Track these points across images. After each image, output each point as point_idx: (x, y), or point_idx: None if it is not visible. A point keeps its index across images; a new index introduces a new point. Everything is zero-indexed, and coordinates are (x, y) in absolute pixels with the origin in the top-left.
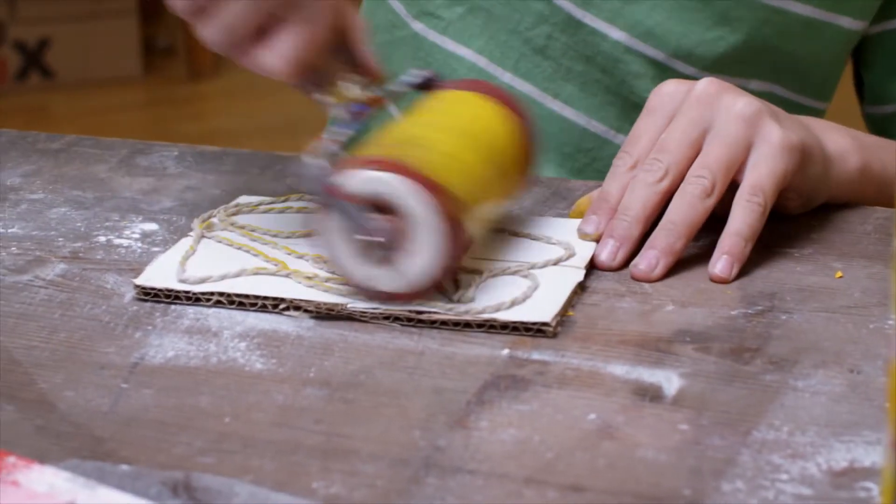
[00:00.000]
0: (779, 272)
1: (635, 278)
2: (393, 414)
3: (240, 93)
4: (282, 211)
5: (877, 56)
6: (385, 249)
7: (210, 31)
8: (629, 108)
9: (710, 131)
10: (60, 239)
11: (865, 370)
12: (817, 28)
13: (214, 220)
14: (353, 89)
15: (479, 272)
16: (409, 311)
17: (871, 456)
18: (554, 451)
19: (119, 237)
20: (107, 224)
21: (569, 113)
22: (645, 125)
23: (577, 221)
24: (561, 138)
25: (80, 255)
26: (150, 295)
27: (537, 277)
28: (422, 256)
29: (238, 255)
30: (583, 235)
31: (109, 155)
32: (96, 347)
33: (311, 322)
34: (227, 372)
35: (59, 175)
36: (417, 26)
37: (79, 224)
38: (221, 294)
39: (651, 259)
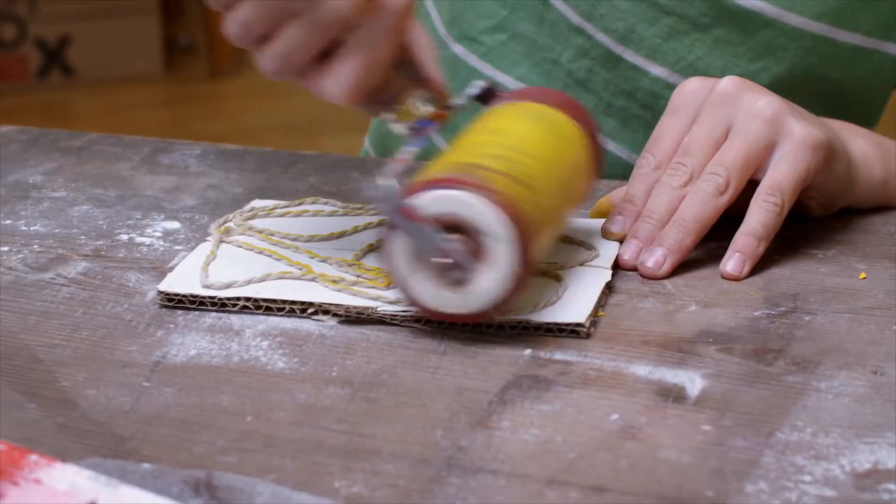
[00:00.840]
0: (802, 273)
1: (642, 275)
2: (415, 413)
3: (261, 91)
4: (298, 214)
5: None
6: (459, 271)
7: (267, 61)
8: None
9: (732, 129)
10: (82, 237)
11: (888, 371)
12: (864, 55)
13: (231, 224)
14: (420, 106)
15: None
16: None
17: (894, 457)
18: (576, 452)
19: (141, 235)
20: (129, 222)
21: (611, 146)
22: (668, 125)
23: (598, 221)
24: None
25: (102, 253)
26: (175, 301)
27: (566, 278)
28: (495, 277)
29: (259, 259)
30: (608, 234)
31: (131, 153)
32: (118, 346)
33: (334, 321)
34: (249, 371)
35: (80, 173)
36: (458, 49)
37: (101, 222)
38: (248, 299)
39: (659, 257)
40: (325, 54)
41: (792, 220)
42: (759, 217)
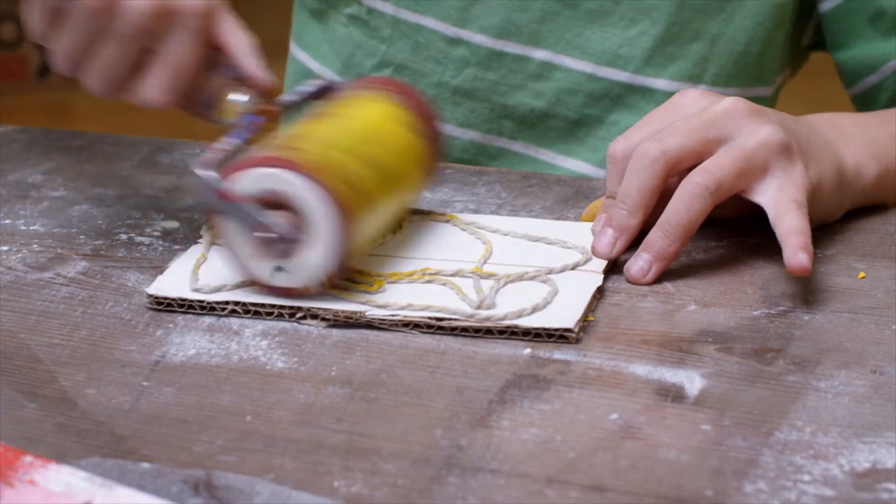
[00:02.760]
0: None
1: (627, 280)
2: (414, 413)
3: None
4: None
5: (840, 32)
6: (284, 245)
7: (91, 81)
8: (569, 126)
9: (729, 142)
10: (82, 236)
11: (888, 371)
12: (738, 1)
13: None
14: (240, 102)
15: (496, 277)
16: (430, 319)
17: (893, 457)
18: (576, 451)
19: (140, 235)
20: (128, 222)
21: (517, 147)
22: (656, 115)
23: (590, 224)
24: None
25: (102, 252)
26: (164, 304)
27: (556, 283)
28: (317, 249)
29: None
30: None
31: (131, 152)
32: (118, 345)
33: (323, 325)
34: (249, 370)
35: (80, 172)
36: None
37: (100, 222)
38: (237, 303)
39: (644, 264)
40: (142, 68)
41: None
42: (797, 220)
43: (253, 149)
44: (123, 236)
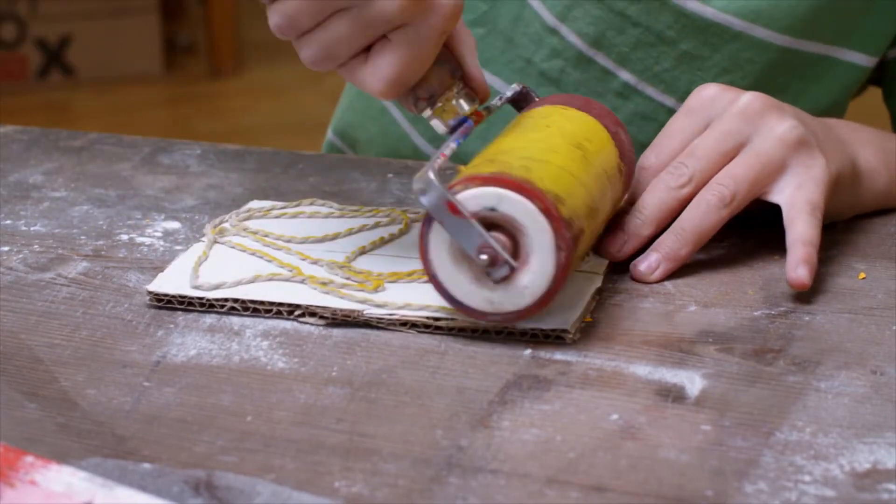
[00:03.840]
0: None
1: (632, 278)
2: (415, 413)
3: (261, 91)
4: (294, 216)
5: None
6: (501, 268)
7: (308, 51)
8: (637, 148)
9: (746, 146)
10: (83, 237)
11: (888, 371)
12: (827, 64)
13: (227, 225)
14: (461, 105)
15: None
16: (427, 318)
17: (894, 457)
18: (576, 452)
19: (141, 235)
20: (129, 222)
21: None
22: (679, 125)
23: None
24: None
25: (103, 253)
26: (164, 301)
27: None
28: (530, 276)
29: (251, 260)
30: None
31: (132, 153)
32: (118, 346)
33: (322, 323)
34: (249, 371)
35: (81, 173)
36: None
37: (101, 222)
38: (236, 300)
39: (652, 262)
40: (367, 46)
41: None
42: (807, 229)
43: (473, 161)
44: (124, 237)
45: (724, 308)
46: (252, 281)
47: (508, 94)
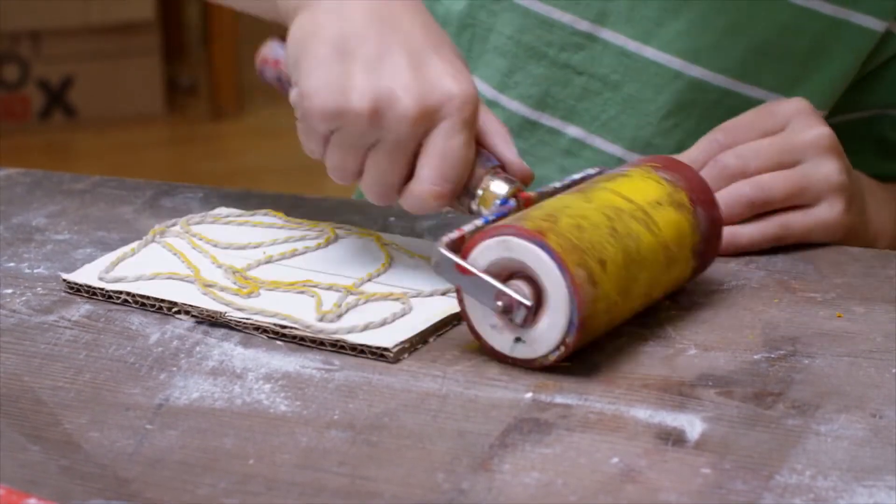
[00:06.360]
0: (801, 316)
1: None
2: (416, 456)
3: (262, 132)
4: (241, 224)
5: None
6: (520, 314)
7: (369, 191)
8: None
9: (800, 165)
10: None
11: (888, 415)
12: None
13: (177, 227)
14: (500, 191)
15: (359, 294)
16: (275, 325)
17: (893, 500)
18: (577, 495)
19: None
20: None
21: None
22: (757, 120)
23: None
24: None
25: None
26: (74, 290)
27: (412, 305)
28: (553, 317)
29: (172, 260)
30: None
31: (134, 196)
32: (121, 388)
33: (336, 364)
34: (252, 414)
35: (84, 216)
36: None
37: None
38: (129, 294)
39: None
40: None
41: (790, 264)
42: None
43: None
44: None
45: (723, 351)
46: (151, 278)
47: (577, 176)
